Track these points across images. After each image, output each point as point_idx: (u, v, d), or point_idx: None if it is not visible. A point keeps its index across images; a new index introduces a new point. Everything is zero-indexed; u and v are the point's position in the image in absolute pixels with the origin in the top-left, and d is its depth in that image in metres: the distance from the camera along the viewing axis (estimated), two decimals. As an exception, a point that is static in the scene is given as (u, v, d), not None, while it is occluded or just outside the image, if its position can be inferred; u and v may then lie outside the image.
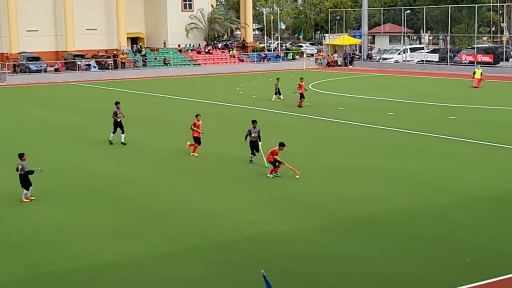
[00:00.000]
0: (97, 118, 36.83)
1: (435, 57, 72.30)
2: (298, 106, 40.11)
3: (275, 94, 44.04)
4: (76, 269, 14.26)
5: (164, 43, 78.50)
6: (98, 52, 72.92)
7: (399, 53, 76.79)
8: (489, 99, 43.76)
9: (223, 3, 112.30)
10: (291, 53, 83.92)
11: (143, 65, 71.49)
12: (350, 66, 77.66)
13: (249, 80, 61.77)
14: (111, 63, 70.29)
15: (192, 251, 15.35)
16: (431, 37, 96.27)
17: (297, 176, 21.76)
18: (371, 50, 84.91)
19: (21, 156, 19.59)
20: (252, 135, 23.88)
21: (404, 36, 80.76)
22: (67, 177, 22.85)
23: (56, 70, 67.79)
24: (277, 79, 45.07)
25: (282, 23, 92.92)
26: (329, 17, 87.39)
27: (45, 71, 66.20)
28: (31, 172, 19.46)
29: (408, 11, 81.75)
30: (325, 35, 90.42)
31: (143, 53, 73.73)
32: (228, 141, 28.99)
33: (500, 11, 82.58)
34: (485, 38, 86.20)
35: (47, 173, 20.59)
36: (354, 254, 14.97)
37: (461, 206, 18.67)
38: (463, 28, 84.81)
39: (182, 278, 13.77)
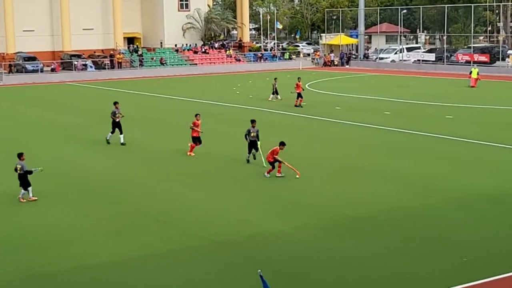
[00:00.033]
0: (94, 118, 36.80)
1: (431, 56, 72.38)
2: (295, 106, 40.13)
3: (272, 94, 44.05)
4: (75, 269, 14.26)
5: (161, 43, 78.48)
6: (94, 52, 72.88)
7: (395, 53, 76.83)
8: (485, 98, 43.82)
9: (220, 3, 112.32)
10: (287, 53, 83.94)
11: (139, 65, 71.46)
12: (347, 66, 77.69)
13: (245, 80, 61.77)
14: (108, 63, 70.23)
15: (190, 250, 15.35)
16: (427, 37, 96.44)
17: (297, 176, 21.77)
18: (367, 50, 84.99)
19: (20, 155, 19.56)
20: (251, 134, 23.87)
21: (400, 35, 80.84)
22: (65, 177, 22.83)
23: (52, 70, 67.74)
24: (275, 79, 45.08)
25: (278, 23, 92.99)
26: (325, 17, 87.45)
27: (42, 71, 66.13)
28: (30, 172, 19.45)
29: (405, 11, 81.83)
30: (321, 34, 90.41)
31: (139, 53, 73.68)
32: (226, 141, 28.99)
33: (497, 11, 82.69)
34: (481, 38, 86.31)
35: (45, 173, 20.57)
36: (352, 254, 14.98)
37: (459, 205, 18.69)
38: (460, 28, 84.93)
39: (180, 277, 13.77)
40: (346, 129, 32.35)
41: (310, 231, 16.64)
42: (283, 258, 14.74)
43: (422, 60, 72.16)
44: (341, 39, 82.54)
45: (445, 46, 75.74)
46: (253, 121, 24.23)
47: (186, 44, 78.50)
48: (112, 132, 28.43)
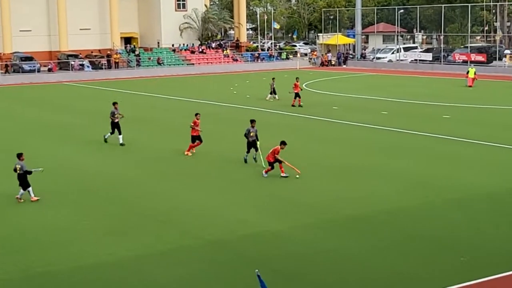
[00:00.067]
0: (91, 118, 36.79)
1: (428, 56, 72.44)
2: (292, 106, 40.13)
3: (270, 93, 44.05)
4: (74, 269, 14.28)
5: (158, 42, 78.42)
6: (91, 52, 72.79)
7: (392, 53, 76.89)
8: (482, 98, 43.86)
9: (217, 2, 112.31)
10: (285, 53, 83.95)
11: (136, 65, 71.39)
12: (344, 66, 77.70)
13: (243, 80, 61.75)
14: (105, 63, 70.15)
15: (189, 250, 15.37)
16: (424, 37, 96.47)
17: (297, 176, 21.77)
18: (364, 50, 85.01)
19: (19, 156, 19.54)
20: (251, 134, 23.82)
21: (397, 35, 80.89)
22: (64, 177, 22.82)
23: (49, 70, 67.63)
24: (273, 78, 45.06)
25: (275, 23, 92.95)
26: (322, 17, 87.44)
27: (39, 71, 66.03)
28: (30, 172, 19.43)
29: (402, 11, 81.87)
30: (318, 34, 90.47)
31: (136, 53, 73.63)
32: (224, 140, 28.98)
33: (493, 11, 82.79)
34: (478, 38, 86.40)
35: (44, 173, 20.52)
36: (351, 254, 14.98)
37: (458, 205, 18.71)
38: (457, 28, 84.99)
39: (179, 277, 13.79)
40: (344, 129, 32.35)
41: (309, 231, 16.64)
42: (282, 258, 14.75)
43: (419, 60, 72.21)
44: (338, 39, 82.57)
45: (442, 45, 75.76)
46: (252, 121, 24.18)
47: (183, 44, 78.45)
48: (112, 133, 28.34)
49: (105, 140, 28.57)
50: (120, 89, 54.30)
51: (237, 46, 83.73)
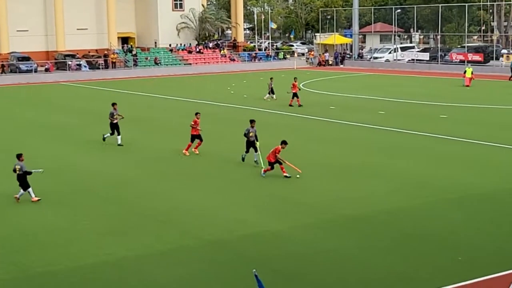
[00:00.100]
0: (89, 118, 36.78)
1: (425, 56, 72.51)
2: (289, 105, 40.17)
3: (268, 93, 44.07)
4: (74, 269, 14.29)
5: (155, 42, 78.40)
6: (88, 52, 72.77)
7: (389, 52, 76.93)
8: (479, 97, 43.93)
9: (214, 2, 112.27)
10: (282, 53, 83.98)
11: (134, 64, 71.35)
12: (341, 65, 77.76)
13: (240, 80, 61.76)
14: (102, 63, 70.13)
15: (189, 250, 15.39)
16: (421, 36, 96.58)
17: (297, 176, 21.79)
18: (362, 49, 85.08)
19: (19, 156, 19.53)
20: (250, 134, 23.80)
21: (394, 35, 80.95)
22: (62, 177, 22.82)
23: (46, 70, 67.58)
24: (271, 78, 45.07)
25: (273, 23, 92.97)
26: (320, 17, 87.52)
27: (36, 71, 65.96)
28: (30, 173, 19.43)
29: (399, 10, 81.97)
30: (316, 34, 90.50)
31: (134, 52, 73.57)
32: (222, 140, 28.98)
33: (491, 10, 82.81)
34: (475, 37, 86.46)
35: (43, 174, 20.51)
36: (351, 253, 15.01)
37: (456, 205, 18.75)
38: (454, 27, 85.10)
39: (179, 277, 13.81)
40: (341, 129, 32.38)
41: (309, 231, 16.67)
42: (282, 258, 14.77)
43: (416, 60, 72.28)
44: (335, 38, 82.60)
45: (439, 45, 75.90)
46: (252, 121, 24.13)
47: (181, 44, 78.43)
48: (112, 134, 28.28)
49: (104, 139, 28.53)
50: (117, 89, 54.26)
51: (234, 46, 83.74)
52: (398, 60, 74.63)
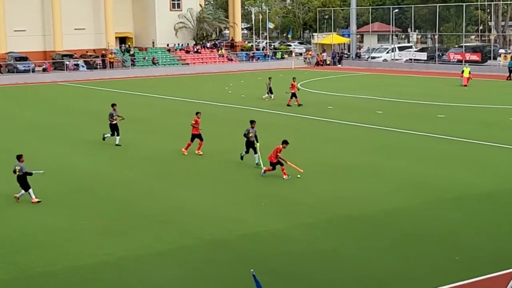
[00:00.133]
0: (87, 118, 36.78)
1: (423, 55, 72.59)
2: (287, 105, 40.19)
3: (267, 93, 44.10)
4: (74, 269, 14.31)
5: (153, 42, 78.35)
6: (86, 52, 72.68)
7: (387, 52, 76.99)
8: (477, 97, 43.97)
9: (212, 2, 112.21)
10: (279, 52, 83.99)
11: (131, 64, 71.32)
12: (339, 65, 77.77)
13: (238, 80, 61.76)
14: (100, 63, 70.06)
15: (188, 250, 15.41)
16: (419, 36, 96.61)
17: (298, 176, 21.79)
18: (359, 49, 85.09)
19: (19, 157, 19.52)
20: (250, 135, 23.79)
21: (392, 35, 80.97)
22: (61, 177, 22.81)
23: (44, 70, 67.49)
24: (269, 78, 45.07)
25: (270, 23, 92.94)
26: (317, 16, 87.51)
27: (33, 71, 65.88)
28: (30, 174, 19.42)
29: (396, 10, 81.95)
30: (313, 34, 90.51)
31: (131, 52, 73.53)
32: (220, 140, 28.96)
33: (488, 10, 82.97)
34: (473, 37, 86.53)
35: (42, 175, 20.51)
36: (349, 253, 15.05)
37: (453, 205, 18.79)
38: (451, 27, 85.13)
39: (177, 277, 13.84)
40: (339, 128, 32.41)
41: (307, 230, 16.69)
42: (280, 258, 14.79)
43: (414, 59, 72.34)
44: (333, 38, 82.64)
45: (436, 45, 75.91)
46: (252, 122, 24.06)
47: (178, 44, 78.40)
48: (112, 135, 28.26)
49: (103, 139, 28.52)
50: (115, 89, 54.24)
51: (232, 46, 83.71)
52: (396, 60, 74.68)
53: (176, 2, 79.65)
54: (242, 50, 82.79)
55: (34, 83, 61.95)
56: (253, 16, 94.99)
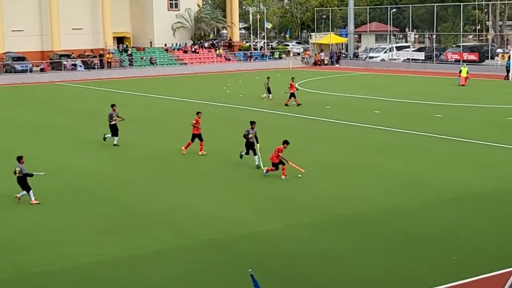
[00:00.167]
0: (85, 118, 36.75)
1: (421, 55, 72.61)
2: (285, 105, 40.19)
3: (266, 93, 44.09)
4: (73, 269, 14.30)
5: (151, 42, 78.31)
6: (84, 52, 72.60)
7: (385, 52, 77.00)
8: (475, 97, 44.00)
9: (210, 2, 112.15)
10: (277, 52, 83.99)
11: (129, 64, 71.26)
12: (337, 65, 77.80)
13: (235, 79, 61.75)
14: (97, 63, 70.02)
15: (185, 250, 15.39)
16: (417, 36, 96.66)
17: (299, 176, 21.78)
18: (357, 49, 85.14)
19: (19, 158, 19.48)
20: (250, 136, 23.76)
21: (390, 34, 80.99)
22: (60, 177, 22.78)
23: (42, 70, 67.42)
24: (268, 78, 45.06)
25: (268, 22, 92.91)
26: (315, 16, 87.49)
27: (31, 71, 65.81)
28: (31, 175, 19.38)
29: (394, 10, 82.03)
30: (311, 34, 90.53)
31: (129, 52, 73.49)
32: (220, 140, 28.91)
33: (486, 10, 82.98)
34: (470, 37, 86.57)
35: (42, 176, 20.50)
36: (347, 253, 15.04)
37: (450, 204, 18.79)
38: (449, 27, 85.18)
39: (175, 277, 13.82)
40: (337, 128, 32.41)
41: (306, 230, 16.68)
42: (278, 258, 14.78)
43: (412, 59, 72.37)
44: (331, 38, 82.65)
45: (434, 45, 75.97)
46: (252, 123, 23.99)
47: (176, 44, 78.37)
48: (112, 135, 28.22)
49: (104, 139, 28.50)
50: (113, 89, 54.19)
51: (229, 46, 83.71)
52: (394, 59, 74.69)
53: (174, 2, 79.64)
54: (240, 50, 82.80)
55: (31, 83, 61.87)
56: (251, 16, 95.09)
